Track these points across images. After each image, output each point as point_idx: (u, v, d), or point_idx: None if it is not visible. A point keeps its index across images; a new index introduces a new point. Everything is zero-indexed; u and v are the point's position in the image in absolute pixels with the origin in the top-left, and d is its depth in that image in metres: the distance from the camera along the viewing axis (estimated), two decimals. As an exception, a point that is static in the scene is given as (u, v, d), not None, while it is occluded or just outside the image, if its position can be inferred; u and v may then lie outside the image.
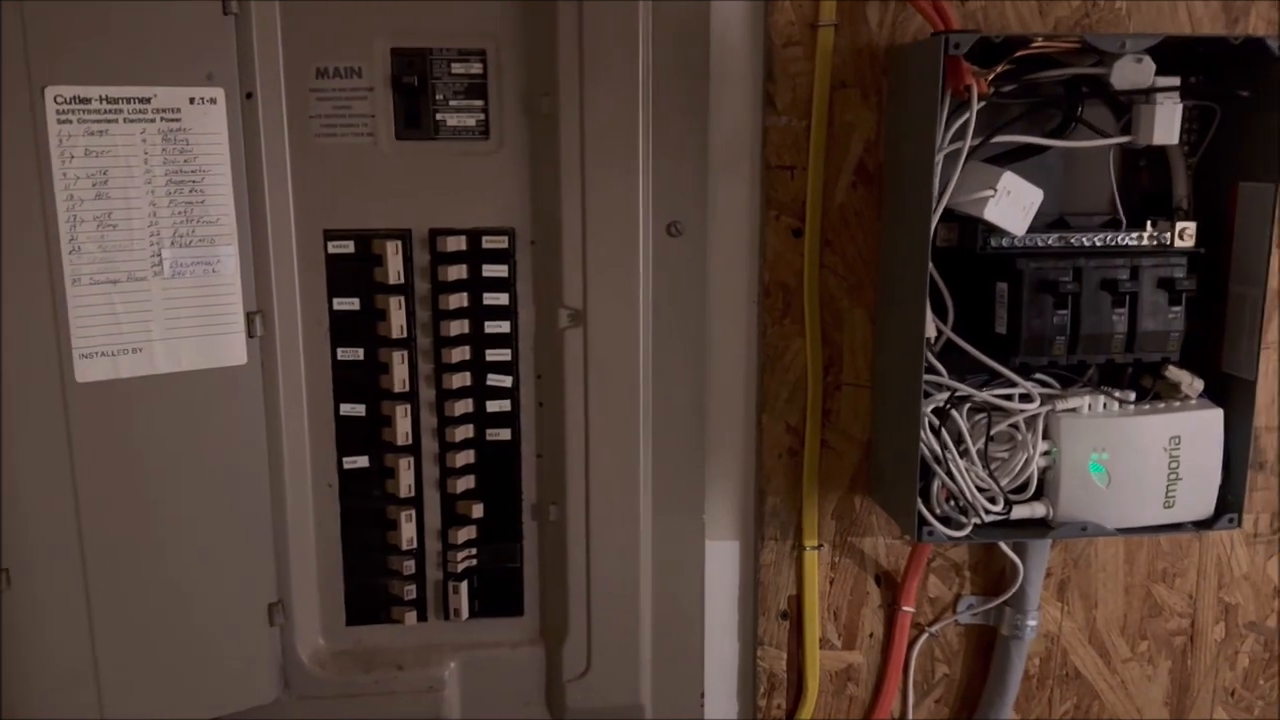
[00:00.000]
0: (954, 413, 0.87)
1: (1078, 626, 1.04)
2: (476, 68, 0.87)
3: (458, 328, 0.91)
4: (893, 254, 0.92)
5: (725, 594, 1.01)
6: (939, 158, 0.83)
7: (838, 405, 0.97)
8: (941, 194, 0.83)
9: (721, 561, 1.00)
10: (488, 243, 0.90)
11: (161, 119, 0.82)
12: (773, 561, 1.00)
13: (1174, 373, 0.88)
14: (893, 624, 1.01)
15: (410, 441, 0.92)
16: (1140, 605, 1.04)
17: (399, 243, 0.89)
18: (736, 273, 0.96)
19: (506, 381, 0.93)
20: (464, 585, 0.95)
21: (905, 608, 1.00)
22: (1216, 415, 0.88)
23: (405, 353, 0.90)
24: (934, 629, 1.02)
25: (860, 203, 0.94)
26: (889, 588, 1.01)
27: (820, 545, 1.00)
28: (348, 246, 0.89)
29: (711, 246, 0.94)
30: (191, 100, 0.83)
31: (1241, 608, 1.05)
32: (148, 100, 0.82)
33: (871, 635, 1.02)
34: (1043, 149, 0.88)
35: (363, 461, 0.93)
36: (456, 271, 0.90)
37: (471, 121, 0.88)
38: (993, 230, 0.85)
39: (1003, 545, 0.98)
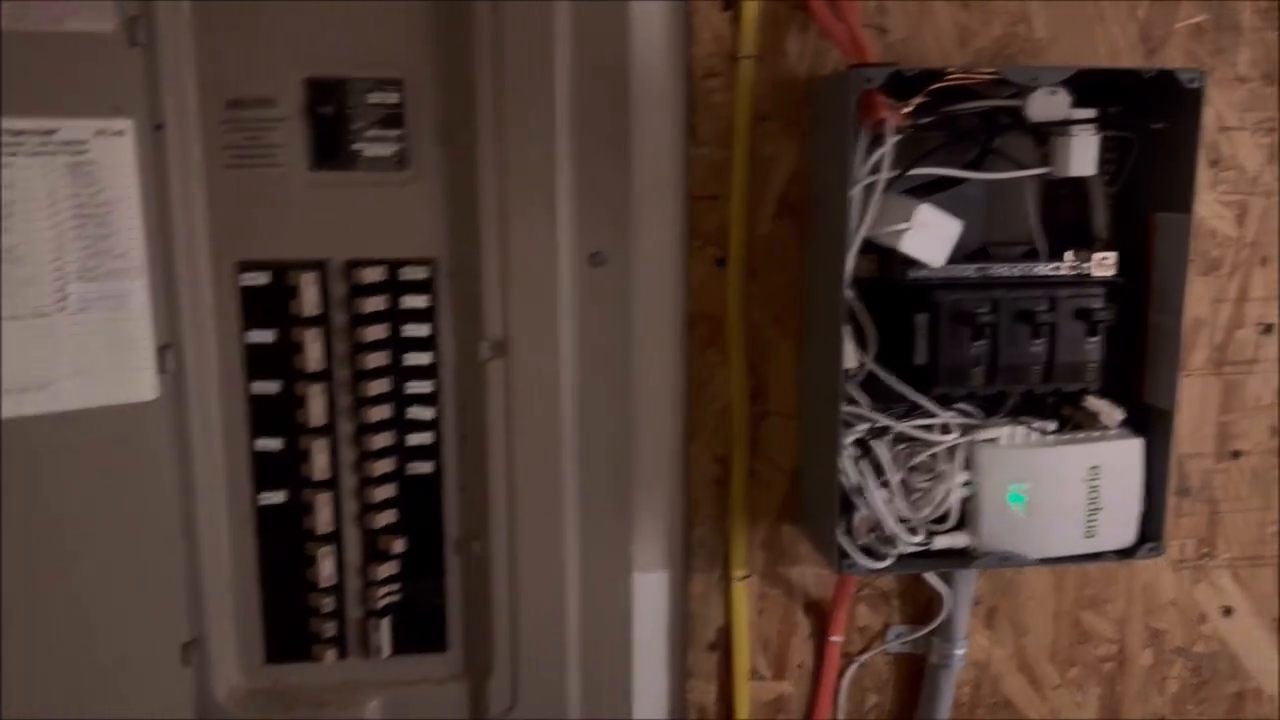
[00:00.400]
0: (875, 444, 0.87)
1: (1007, 654, 1.04)
2: (393, 97, 0.86)
3: (377, 360, 0.89)
4: (814, 285, 0.92)
5: (654, 626, 1.00)
6: (856, 190, 0.83)
7: (764, 435, 0.97)
8: (859, 226, 0.83)
9: (650, 593, 0.99)
10: (407, 274, 0.89)
11: (67, 152, 0.81)
12: (701, 593, 0.99)
13: (1093, 402, 0.89)
14: (822, 654, 1.01)
15: (329, 476, 0.90)
16: (1069, 632, 1.04)
17: (315, 274, 0.87)
18: (661, 303, 0.95)
19: (428, 414, 0.91)
20: (385, 622, 0.93)
21: (834, 637, 1.00)
22: (1135, 445, 0.88)
23: (323, 386, 0.89)
24: (863, 658, 1.02)
25: (784, 234, 0.94)
26: (818, 617, 1.01)
27: (749, 575, 0.99)
28: (263, 278, 0.88)
29: (636, 276, 0.93)
30: (98, 132, 0.82)
31: (1169, 634, 1.05)
32: (52, 133, 0.80)
33: (801, 665, 1.01)
34: (963, 180, 0.88)
35: (280, 497, 0.91)
36: (375, 303, 0.88)
37: (388, 151, 0.87)
38: (912, 261, 0.85)
39: (928, 575, 0.98)
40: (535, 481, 0.92)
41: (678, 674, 1.01)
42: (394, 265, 0.88)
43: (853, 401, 0.88)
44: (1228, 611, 1.05)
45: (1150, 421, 0.89)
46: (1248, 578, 1.05)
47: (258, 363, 0.89)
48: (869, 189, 0.83)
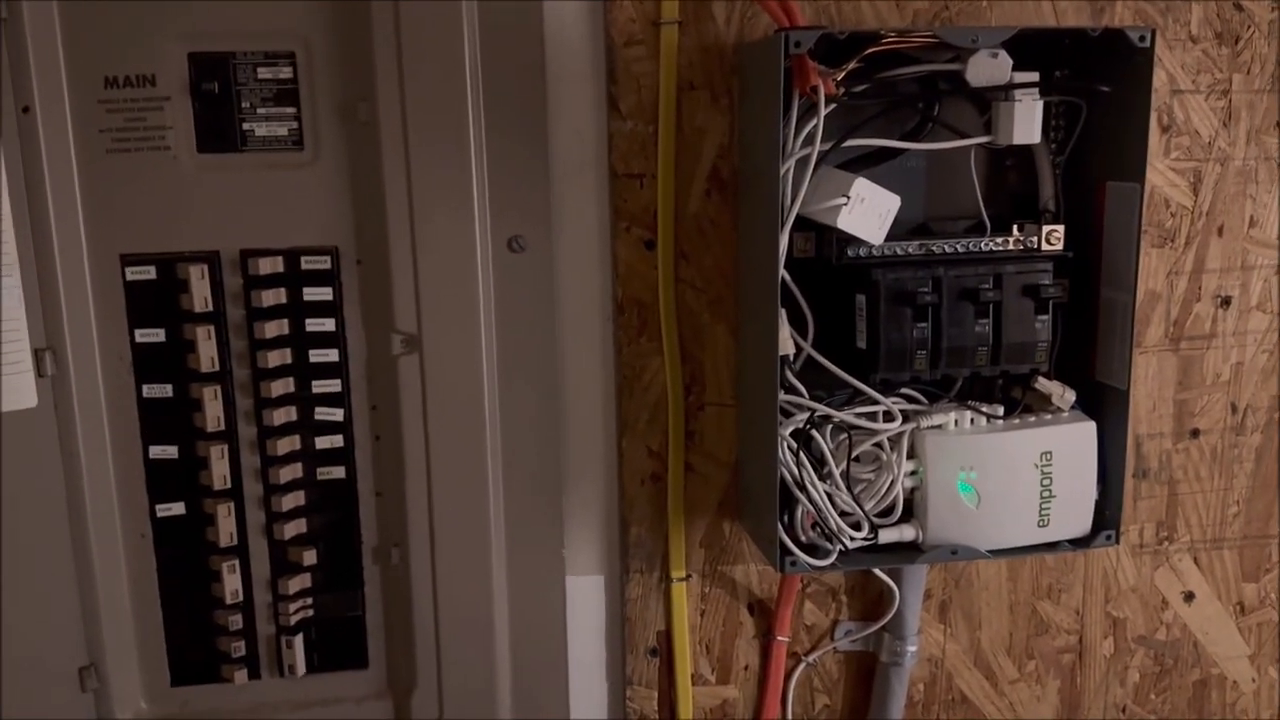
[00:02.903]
0: (816, 434, 0.82)
1: (962, 649, 0.99)
2: (286, 72, 0.80)
3: (278, 358, 0.83)
4: (749, 267, 0.86)
5: (590, 632, 0.95)
6: (790, 163, 0.77)
7: (701, 426, 0.91)
8: (793, 202, 0.77)
9: (585, 597, 0.94)
10: (307, 263, 0.82)
11: (-81, 136, 0.74)
12: (639, 595, 0.94)
13: (1044, 384, 0.84)
14: (768, 655, 0.96)
15: (229, 485, 0.84)
16: (1026, 623, 0.99)
17: (205, 266, 0.81)
18: (588, 289, 0.89)
19: (337, 415, 0.85)
20: (299, 639, 0.87)
21: (780, 637, 0.95)
22: (1089, 428, 0.84)
23: (219, 387, 0.82)
24: (812, 658, 0.97)
25: (716, 212, 0.88)
26: (763, 617, 0.95)
27: (689, 576, 0.94)
28: (149, 272, 0.81)
29: (559, 261, 0.87)
30: (-45, 115, 0.75)
31: (1130, 621, 1.01)
32: (-98, 116, 0.73)
33: (747, 668, 0.96)
34: (902, 151, 0.83)
35: (178, 508, 0.85)
36: (273, 296, 0.82)
37: (283, 131, 0.80)
38: (850, 239, 0.80)
39: (876, 570, 0.93)
40: (456, 483, 0.86)
41: (617, 681, 0.96)
42: (293, 255, 0.82)
43: (791, 390, 0.82)
44: (1189, 597, 1.01)
45: (1104, 402, 0.85)
46: (1209, 561, 1.01)
47: (148, 364, 0.82)
48: (802, 163, 0.78)
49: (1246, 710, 1.05)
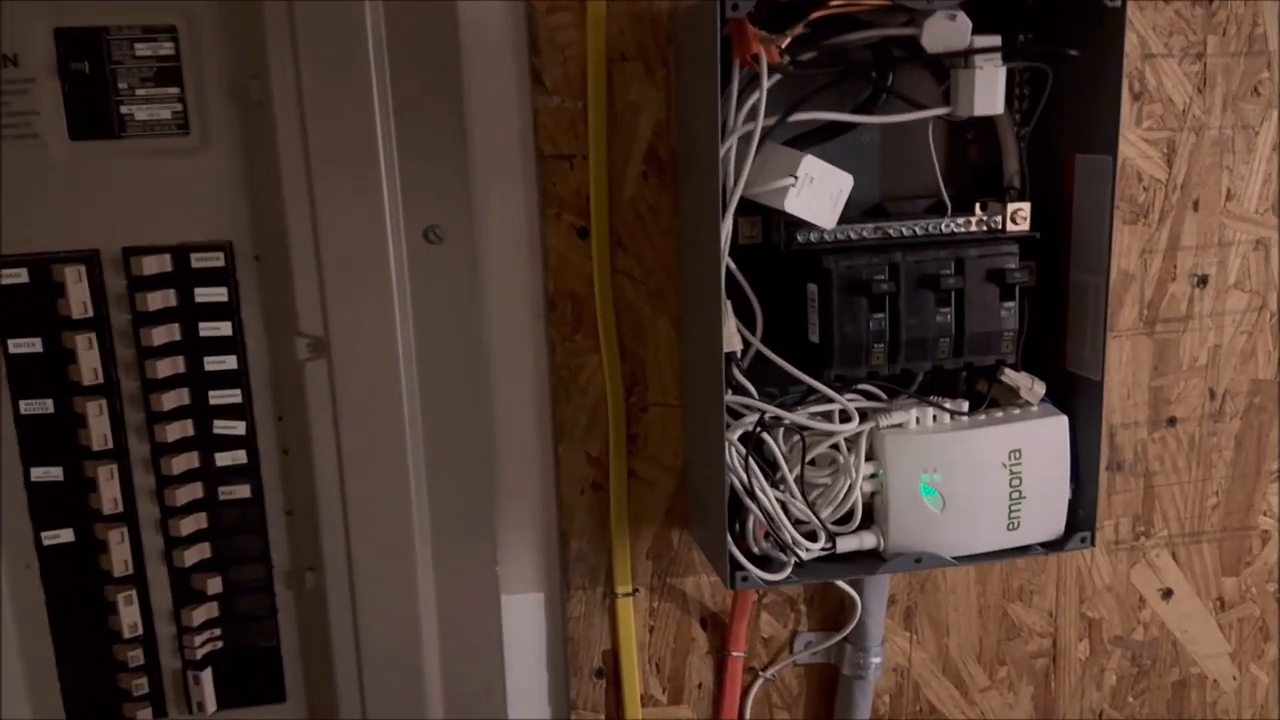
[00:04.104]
0: (767, 437, 0.75)
1: (929, 657, 0.93)
2: (167, 48, 0.71)
3: (169, 367, 0.75)
4: (691, 255, 0.79)
5: (530, 654, 0.88)
6: (731, 141, 0.70)
7: (645, 429, 0.84)
8: (736, 184, 0.70)
9: (523, 617, 0.87)
10: (198, 261, 0.74)
11: None
12: (582, 613, 0.87)
13: (1011, 376, 0.78)
14: (723, 671, 0.89)
15: (121, 508, 0.76)
16: (996, 628, 0.94)
17: (83, 267, 0.72)
18: (516, 282, 0.82)
19: (239, 428, 0.77)
20: (206, 673, 0.79)
21: (735, 652, 0.89)
22: (1060, 423, 0.77)
23: (104, 401, 0.74)
24: (769, 673, 0.91)
25: (654, 195, 0.81)
26: (717, 631, 0.89)
27: (635, 591, 0.87)
28: (20, 275, 0.72)
29: (483, 253, 0.80)
30: None
31: (1106, 622, 0.95)
32: None
33: (700, 686, 0.90)
34: (854, 125, 0.76)
35: (67, 535, 0.76)
36: (161, 298, 0.74)
37: (166, 114, 0.72)
38: (799, 224, 0.73)
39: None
40: (375, 499, 0.78)
41: (560, 706, 0.89)
42: (182, 252, 0.74)
43: (739, 389, 0.75)
44: (1167, 594, 0.96)
45: (1076, 394, 0.79)
46: (1188, 556, 0.95)
47: (24, 377, 0.74)
48: (745, 140, 0.70)
49: (1228, 710, 1.00)
